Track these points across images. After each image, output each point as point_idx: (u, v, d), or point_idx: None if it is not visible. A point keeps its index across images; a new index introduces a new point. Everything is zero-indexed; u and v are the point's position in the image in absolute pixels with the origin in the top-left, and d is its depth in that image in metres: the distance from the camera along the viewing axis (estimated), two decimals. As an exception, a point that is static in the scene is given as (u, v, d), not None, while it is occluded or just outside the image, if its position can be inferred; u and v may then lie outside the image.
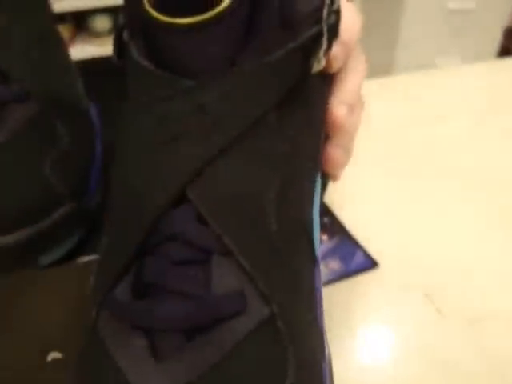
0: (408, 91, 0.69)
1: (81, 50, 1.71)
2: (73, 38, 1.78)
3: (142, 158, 0.22)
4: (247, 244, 0.22)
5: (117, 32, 0.24)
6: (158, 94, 0.22)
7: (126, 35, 0.24)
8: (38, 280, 0.30)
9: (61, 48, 0.36)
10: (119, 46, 0.24)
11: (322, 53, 0.23)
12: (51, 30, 0.36)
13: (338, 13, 0.24)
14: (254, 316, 0.21)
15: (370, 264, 0.44)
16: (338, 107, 0.26)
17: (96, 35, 1.77)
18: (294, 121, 0.24)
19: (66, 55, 0.37)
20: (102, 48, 1.76)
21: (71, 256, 0.31)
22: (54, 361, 0.29)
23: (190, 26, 0.21)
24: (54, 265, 0.30)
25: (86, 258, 0.31)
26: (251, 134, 0.22)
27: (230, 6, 0.21)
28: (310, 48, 0.23)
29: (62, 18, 1.68)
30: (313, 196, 0.26)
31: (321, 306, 0.26)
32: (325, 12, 0.23)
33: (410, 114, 0.65)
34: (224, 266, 0.22)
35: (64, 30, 1.66)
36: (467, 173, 0.55)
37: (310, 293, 0.24)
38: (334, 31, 0.24)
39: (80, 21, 1.78)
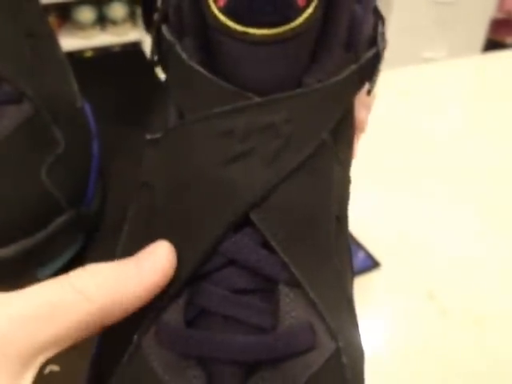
0: (401, 86, 0.69)
1: (65, 43, 1.69)
2: (57, 31, 1.75)
3: (196, 177, 0.21)
4: (314, 275, 0.21)
5: (156, 28, 0.23)
6: (221, 107, 0.21)
7: (166, 32, 0.22)
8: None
9: (53, 44, 0.35)
10: (158, 42, 0.23)
11: (378, 75, 0.23)
12: (42, 26, 0.35)
13: (384, 36, 0.24)
14: (323, 351, 0.20)
15: (372, 264, 0.43)
16: (361, 110, 0.25)
17: (80, 27, 1.74)
18: (342, 141, 0.23)
19: (59, 51, 0.35)
20: (87, 40, 1.74)
21: (71, 264, 0.30)
22: (52, 373, 0.28)
23: (264, 39, 0.20)
24: (53, 275, 0.29)
25: (86, 267, 0.30)
26: (314, 156, 0.21)
27: (305, 22, 0.20)
28: (367, 69, 0.23)
29: (46, 9, 1.65)
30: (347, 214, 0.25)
31: None
32: (379, 32, 0.23)
33: (405, 109, 0.65)
34: (291, 298, 0.20)
35: (47, 22, 1.63)
36: (468, 170, 0.54)
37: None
38: (384, 51, 0.24)
39: (64, 13, 1.76)
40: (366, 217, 0.47)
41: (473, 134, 0.61)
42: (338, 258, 0.22)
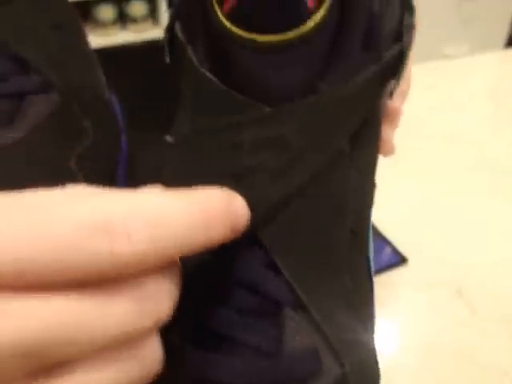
0: (423, 81, 0.68)
1: (86, 41, 1.70)
2: (78, 28, 1.77)
3: None
4: (322, 297, 0.20)
5: (168, 27, 0.22)
6: (229, 118, 0.20)
7: (179, 31, 0.21)
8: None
9: (80, 37, 0.35)
10: (170, 41, 0.22)
11: (403, 72, 0.21)
12: (69, 19, 0.35)
13: (414, 27, 0.22)
14: (328, 377, 0.20)
15: (399, 260, 0.43)
16: (396, 98, 0.24)
17: (101, 25, 1.75)
18: (363, 147, 0.22)
19: (86, 44, 0.35)
20: (108, 38, 1.75)
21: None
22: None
23: (272, 45, 0.19)
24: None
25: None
26: (327, 168, 0.20)
27: (317, 26, 0.18)
28: (391, 69, 0.21)
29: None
30: (370, 220, 0.24)
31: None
32: (405, 25, 0.21)
33: (429, 103, 0.64)
34: (296, 321, 0.20)
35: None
36: (493, 164, 0.54)
37: (372, 336, 0.23)
38: (411, 46, 0.22)
39: (84, 11, 1.77)
40: (392, 212, 0.47)
41: (496, 129, 0.60)
42: (350, 276, 0.21)
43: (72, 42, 0.33)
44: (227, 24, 0.19)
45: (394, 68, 0.21)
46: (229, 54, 0.19)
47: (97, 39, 1.74)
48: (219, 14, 0.19)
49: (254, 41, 0.19)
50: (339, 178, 0.20)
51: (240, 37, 0.19)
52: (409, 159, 0.54)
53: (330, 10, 0.18)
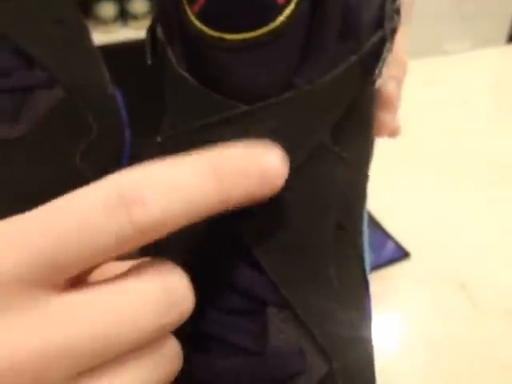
0: (425, 76, 0.68)
1: (87, 38, 1.70)
2: (78, 26, 1.76)
3: None
4: (306, 294, 0.20)
5: (150, 28, 0.21)
6: (205, 117, 0.19)
7: (160, 32, 0.21)
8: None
9: (83, 32, 0.35)
10: (153, 42, 0.22)
11: (385, 60, 0.21)
12: (71, 14, 0.35)
13: (399, 12, 0.21)
14: (313, 375, 0.20)
15: (402, 254, 0.43)
16: (389, 83, 0.24)
17: (102, 22, 1.75)
18: (350, 139, 0.21)
19: (89, 40, 0.36)
20: (109, 35, 1.75)
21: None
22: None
23: (243, 43, 0.18)
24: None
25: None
26: (307, 163, 0.20)
27: (288, 20, 0.18)
28: (372, 57, 0.20)
29: (68, 4, 1.67)
30: (363, 215, 0.24)
31: (371, 329, 0.24)
32: (387, 12, 0.20)
33: (431, 98, 0.64)
34: (280, 319, 0.20)
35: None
36: (494, 158, 0.54)
37: (367, 336, 0.23)
38: (395, 31, 0.21)
39: (85, 8, 1.77)
40: (395, 206, 0.47)
41: (497, 123, 0.60)
42: (336, 270, 0.21)
43: (75, 37, 0.33)
44: (197, 23, 0.19)
45: (376, 56, 0.20)
46: (203, 53, 0.19)
47: (98, 36, 1.73)
48: (189, 13, 0.19)
49: (223, 40, 0.18)
50: (322, 173, 0.20)
51: (211, 36, 0.18)
52: (410, 154, 0.54)
53: (300, 4, 0.18)
